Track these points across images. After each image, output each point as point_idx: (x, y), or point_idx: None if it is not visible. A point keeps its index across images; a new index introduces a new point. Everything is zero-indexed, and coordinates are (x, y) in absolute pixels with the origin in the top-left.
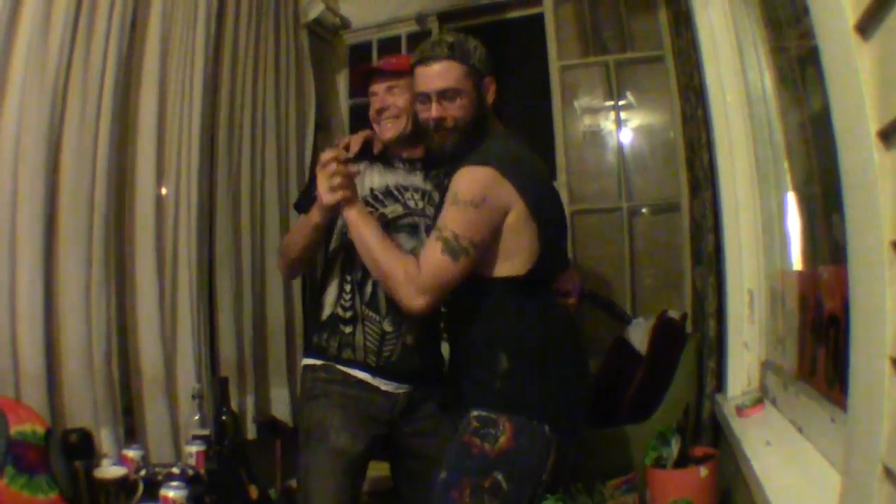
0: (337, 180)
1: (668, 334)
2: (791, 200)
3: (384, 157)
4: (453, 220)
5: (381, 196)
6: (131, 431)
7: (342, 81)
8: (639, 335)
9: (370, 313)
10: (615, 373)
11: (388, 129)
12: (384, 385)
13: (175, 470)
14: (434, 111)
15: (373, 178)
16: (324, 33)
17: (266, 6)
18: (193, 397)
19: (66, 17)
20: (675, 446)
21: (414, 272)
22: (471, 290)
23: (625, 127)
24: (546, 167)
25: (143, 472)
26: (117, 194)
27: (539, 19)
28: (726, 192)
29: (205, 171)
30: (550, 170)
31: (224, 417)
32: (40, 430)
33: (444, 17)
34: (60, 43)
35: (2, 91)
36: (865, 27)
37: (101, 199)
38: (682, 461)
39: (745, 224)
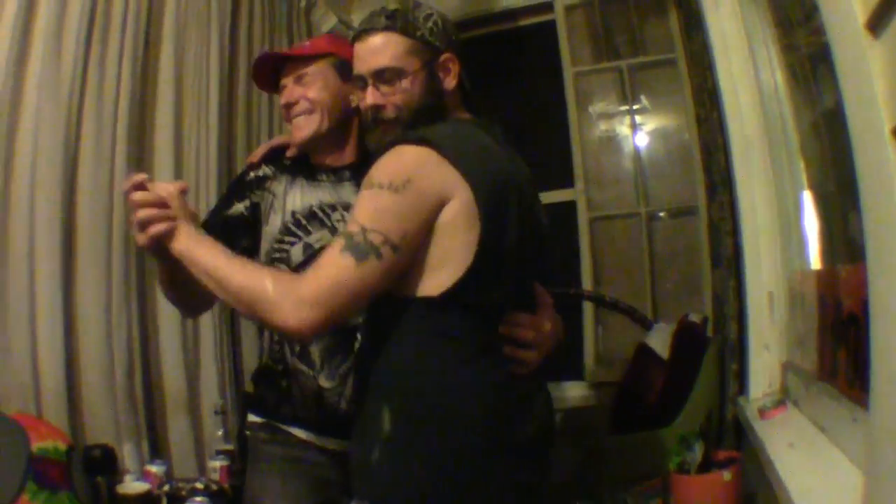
0: (144, 213)
1: (689, 338)
2: (807, 199)
3: (306, 168)
4: (362, 209)
5: (304, 221)
6: (155, 447)
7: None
8: (661, 340)
9: (301, 367)
10: (638, 378)
11: (300, 129)
12: (331, 443)
13: (199, 485)
14: (369, 98)
15: (294, 199)
16: None
17: (278, 20)
18: (216, 412)
19: (77, 35)
20: (698, 451)
21: (286, 283)
22: (374, 315)
23: (640, 131)
24: (526, 169)
25: (166, 488)
26: None
27: (551, 26)
28: (743, 193)
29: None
30: (567, 177)
31: (248, 432)
32: (62, 446)
33: (458, 26)
34: (73, 60)
35: (16, 110)
36: (876, 25)
37: (119, 216)
38: (706, 465)
39: (762, 225)
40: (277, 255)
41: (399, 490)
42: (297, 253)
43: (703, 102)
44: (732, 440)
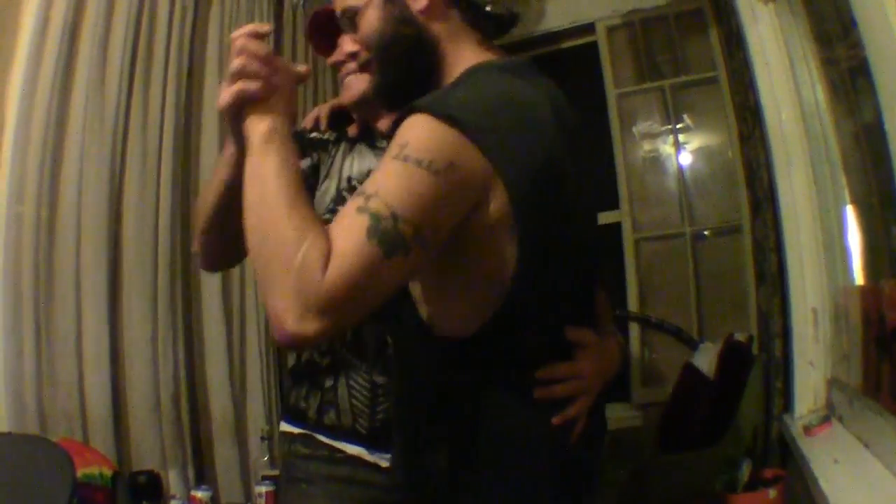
0: (240, 62)
1: (735, 358)
2: (850, 214)
3: (366, 134)
4: (394, 186)
5: (360, 187)
6: (200, 473)
7: None
8: (706, 360)
9: (353, 359)
10: (685, 399)
11: (350, 88)
12: (385, 461)
13: None
14: (344, 46)
15: (351, 165)
16: None
17: None
18: (262, 438)
19: (121, 66)
20: (745, 469)
21: (312, 270)
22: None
23: (684, 150)
24: (573, 120)
25: None
26: (181, 239)
27: (593, 47)
28: (787, 210)
29: None
30: (612, 198)
31: (284, 446)
32: (107, 472)
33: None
34: (117, 91)
35: (61, 143)
36: None
37: (164, 245)
38: (752, 484)
39: (806, 241)
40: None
41: None
42: None
43: (745, 119)
44: (778, 458)
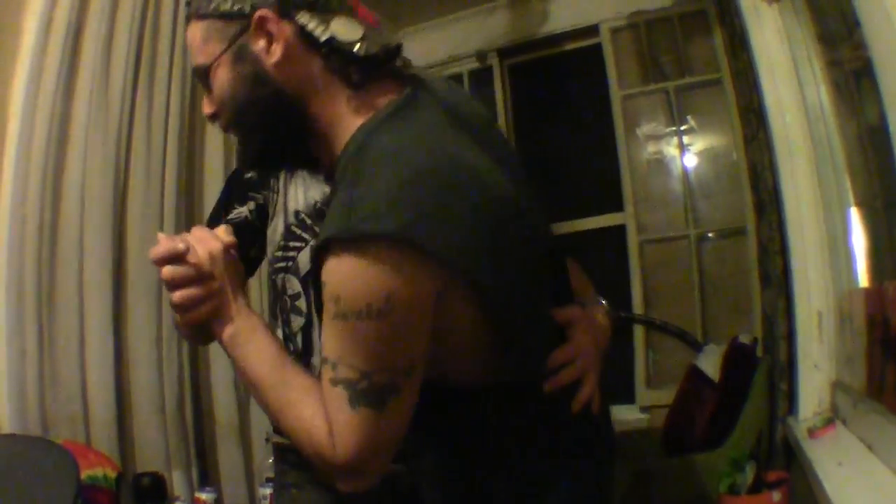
0: (177, 297)
1: (739, 360)
2: (854, 216)
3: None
4: (349, 347)
5: (309, 221)
6: (204, 474)
7: None
8: (711, 362)
9: None
10: (689, 401)
11: None
12: None
13: None
14: (205, 108)
15: (296, 195)
16: None
17: None
18: (267, 440)
19: (125, 68)
20: (749, 472)
21: (326, 445)
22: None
23: (688, 152)
24: (509, 157)
25: None
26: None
27: (597, 49)
28: (791, 212)
29: None
30: (615, 200)
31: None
32: (111, 473)
33: (504, 53)
34: (121, 94)
35: (64, 144)
36: None
37: None
38: (756, 486)
39: (810, 244)
40: (282, 264)
41: None
42: (304, 260)
43: (749, 121)
44: (783, 460)
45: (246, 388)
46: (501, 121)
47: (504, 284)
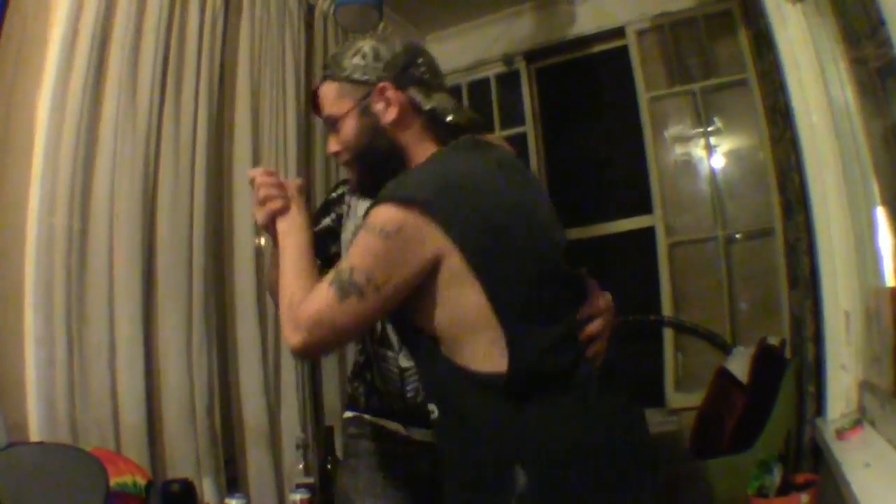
0: (263, 192)
1: (768, 362)
2: (880, 215)
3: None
4: (355, 249)
5: None
6: (234, 481)
7: None
8: (740, 364)
9: (383, 350)
10: (718, 403)
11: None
12: (418, 433)
13: None
14: (329, 146)
15: (363, 206)
16: None
17: None
18: (297, 447)
19: (152, 76)
20: (777, 474)
21: (296, 302)
22: (460, 391)
23: (715, 153)
24: (537, 189)
25: None
26: (215, 246)
27: (624, 51)
28: (818, 212)
29: None
30: (644, 202)
31: (329, 466)
32: (141, 481)
33: (530, 56)
34: (149, 102)
35: (92, 152)
36: None
37: (198, 253)
38: (784, 488)
39: (838, 244)
40: None
41: None
42: None
43: (775, 122)
44: (811, 462)
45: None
46: (529, 125)
47: (507, 279)
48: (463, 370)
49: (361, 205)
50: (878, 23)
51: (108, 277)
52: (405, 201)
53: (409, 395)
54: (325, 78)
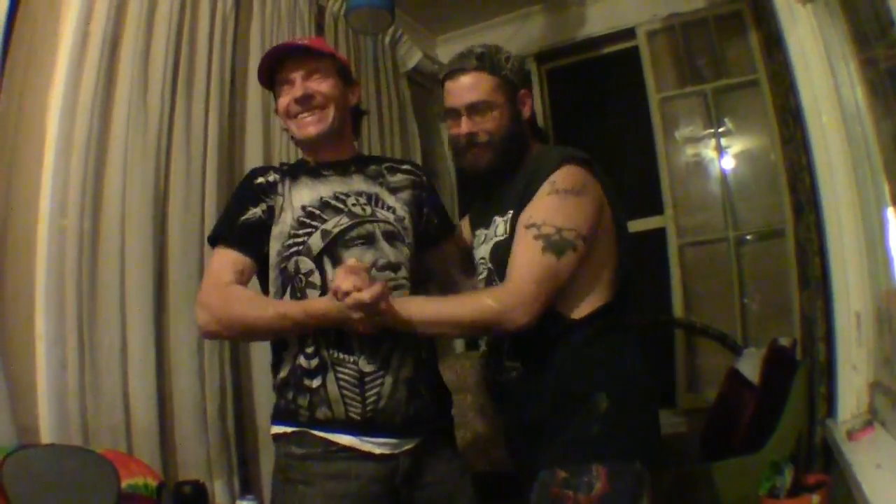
0: (375, 301)
1: (779, 363)
2: (891, 216)
3: (306, 169)
4: (554, 211)
5: (317, 211)
6: (246, 482)
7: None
8: (751, 365)
9: (341, 356)
10: (729, 404)
11: (311, 125)
12: (378, 447)
13: None
14: (464, 126)
15: (301, 195)
16: (424, 81)
17: (365, 57)
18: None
19: (163, 77)
20: (788, 475)
21: (502, 294)
22: (551, 332)
23: (726, 154)
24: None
25: None
26: None
27: (634, 52)
28: (829, 213)
29: None
30: (654, 204)
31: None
32: (152, 483)
33: (541, 57)
34: (160, 103)
35: (104, 154)
36: None
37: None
38: (795, 489)
39: (849, 244)
40: (294, 248)
41: (616, 444)
42: (315, 241)
43: (786, 122)
44: (822, 463)
45: (428, 331)
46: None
47: (626, 238)
48: (561, 316)
49: (299, 194)
50: (889, 23)
51: (120, 279)
52: (583, 161)
53: (369, 401)
54: (478, 69)
